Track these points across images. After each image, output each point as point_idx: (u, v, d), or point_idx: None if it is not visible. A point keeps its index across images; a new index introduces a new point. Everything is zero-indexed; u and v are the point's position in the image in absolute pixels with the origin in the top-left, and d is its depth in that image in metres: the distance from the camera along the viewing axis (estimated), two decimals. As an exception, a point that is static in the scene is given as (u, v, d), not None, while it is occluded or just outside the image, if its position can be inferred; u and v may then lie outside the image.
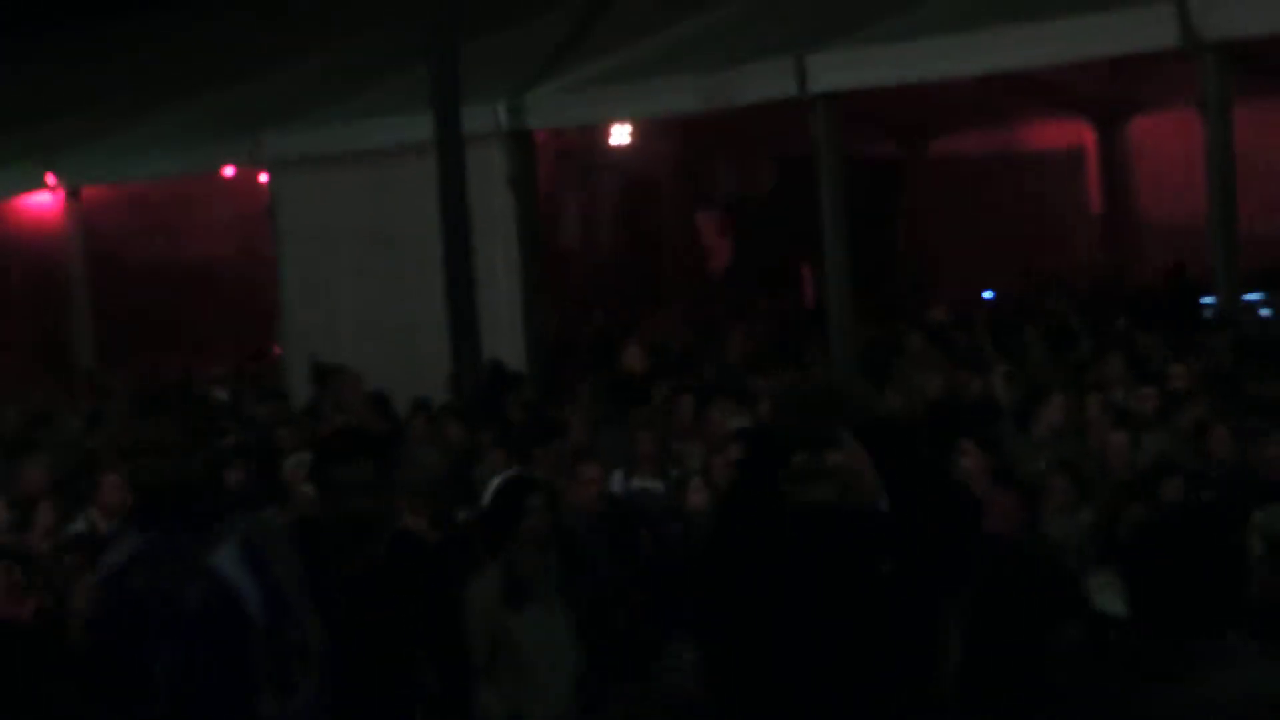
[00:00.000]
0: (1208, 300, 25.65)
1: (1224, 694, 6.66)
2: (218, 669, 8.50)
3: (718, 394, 22.47)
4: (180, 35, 41.91)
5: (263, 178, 32.56)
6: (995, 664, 10.78)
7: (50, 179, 35.15)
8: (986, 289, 32.77)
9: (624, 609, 15.04)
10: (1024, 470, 16.89)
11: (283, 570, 8.89)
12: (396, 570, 10.30)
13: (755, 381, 23.87)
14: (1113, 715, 7.17)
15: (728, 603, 9.67)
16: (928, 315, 29.68)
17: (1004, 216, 34.08)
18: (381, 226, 29.08)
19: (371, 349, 28.51)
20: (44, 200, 35.39)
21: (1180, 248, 29.10)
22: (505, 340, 27.06)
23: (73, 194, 34.73)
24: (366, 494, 9.89)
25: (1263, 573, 12.71)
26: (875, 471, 9.38)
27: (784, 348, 28.40)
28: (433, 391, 25.21)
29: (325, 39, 36.71)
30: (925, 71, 26.51)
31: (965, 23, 26.12)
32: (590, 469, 17.90)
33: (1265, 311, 26.55)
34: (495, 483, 16.02)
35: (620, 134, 31.97)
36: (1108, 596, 12.40)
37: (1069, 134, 33.58)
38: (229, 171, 34.11)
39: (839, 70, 26.19)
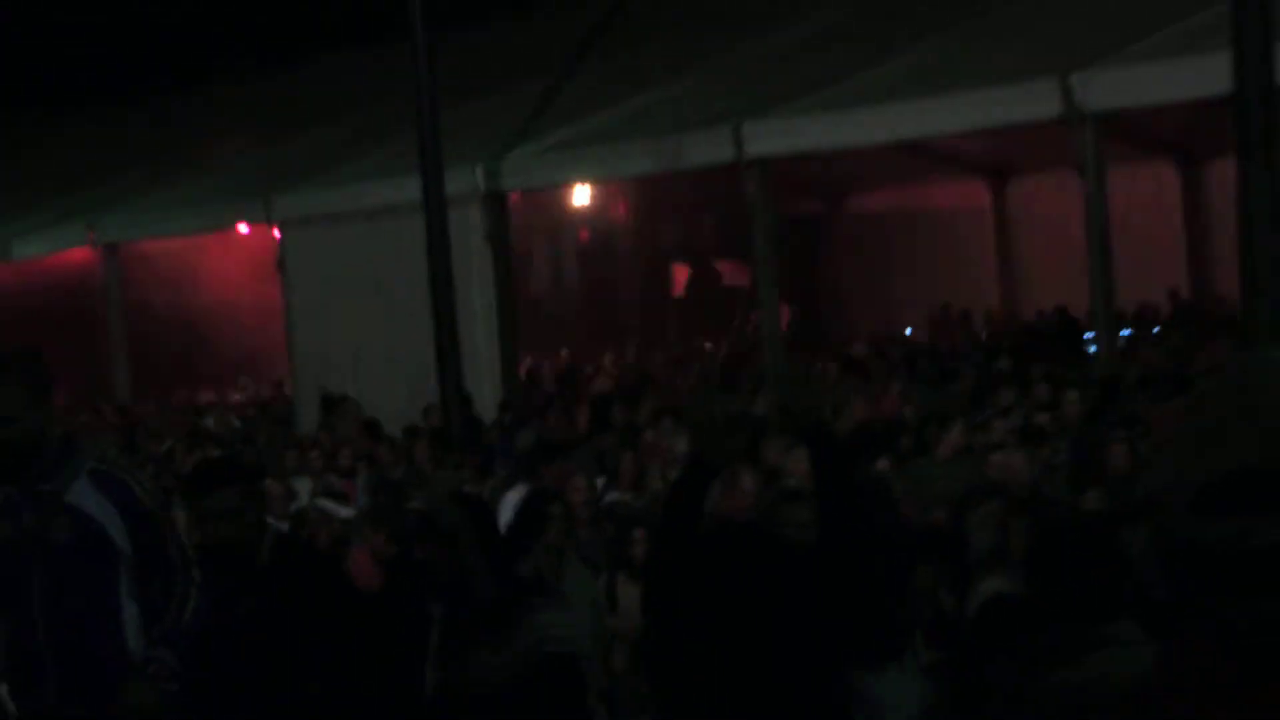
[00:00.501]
0: (1089, 335, 25.13)
1: (1110, 673, 6.25)
2: (88, 594, 8.33)
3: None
4: (199, 112, 41.67)
5: (274, 233, 31.76)
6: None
7: (90, 236, 34.62)
8: (898, 327, 32.39)
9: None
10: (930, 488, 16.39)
11: (140, 495, 8.54)
12: (278, 572, 9.68)
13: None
14: (1019, 692, 6.92)
15: (660, 602, 9.55)
16: (848, 350, 29.27)
17: (913, 264, 33.47)
18: (376, 275, 28.71)
19: (367, 381, 28.22)
20: (85, 255, 34.38)
21: (1062, 291, 28.39)
22: (484, 373, 26.94)
23: (110, 249, 34.13)
24: (232, 521, 9.39)
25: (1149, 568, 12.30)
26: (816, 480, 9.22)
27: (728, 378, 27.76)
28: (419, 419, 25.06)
29: (324, 113, 36.35)
30: (844, 139, 26.63)
31: (879, 97, 26.23)
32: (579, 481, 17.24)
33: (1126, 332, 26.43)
34: (518, 496, 16.00)
35: (582, 194, 31.92)
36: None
37: (967, 193, 32.96)
38: (243, 228, 33.54)
39: (771, 138, 26.12)
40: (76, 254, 35.00)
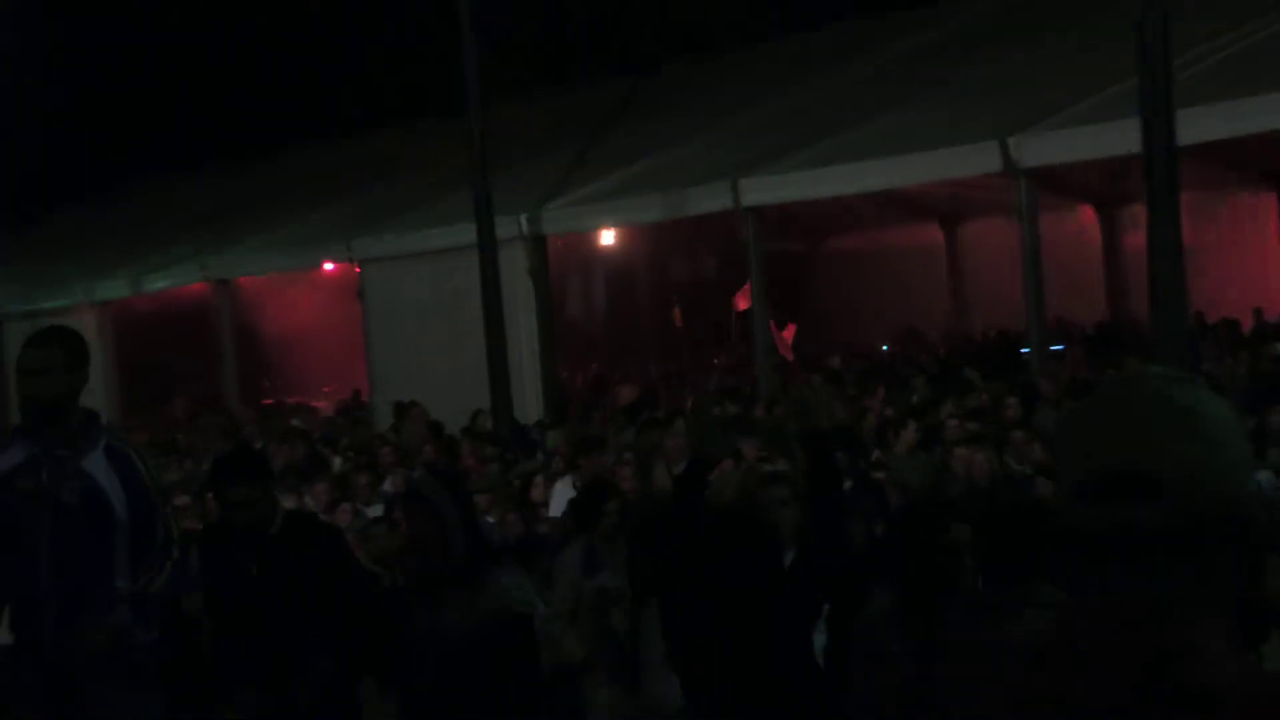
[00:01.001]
0: (1025, 350, 24.84)
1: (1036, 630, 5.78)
2: (87, 550, 8.25)
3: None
4: (292, 171, 41.78)
5: (354, 270, 31.71)
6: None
7: (205, 273, 34.65)
8: (868, 344, 32.32)
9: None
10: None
11: (144, 475, 8.56)
12: (288, 542, 9.58)
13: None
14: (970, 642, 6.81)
15: (667, 581, 9.25)
16: (826, 363, 29.15)
17: (880, 292, 33.45)
18: (439, 304, 28.72)
19: (431, 390, 27.59)
20: (201, 288, 34.33)
21: (1002, 314, 28.26)
22: (528, 385, 26.92)
23: (221, 283, 34.00)
24: (247, 509, 9.27)
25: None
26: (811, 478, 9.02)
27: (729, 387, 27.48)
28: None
29: (396, 171, 36.40)
30: (823, 190, 26.78)
31: (851, 156, 26.20)
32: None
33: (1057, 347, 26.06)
34: (565, 486, 16.53)
35: (607, 237, 31.55)
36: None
37: (924, 234, 32.89)
38: (329, 266, 33.45)
39: (761, 190, 26.24)
40: (195, 287, 34.85)
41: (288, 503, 17.57)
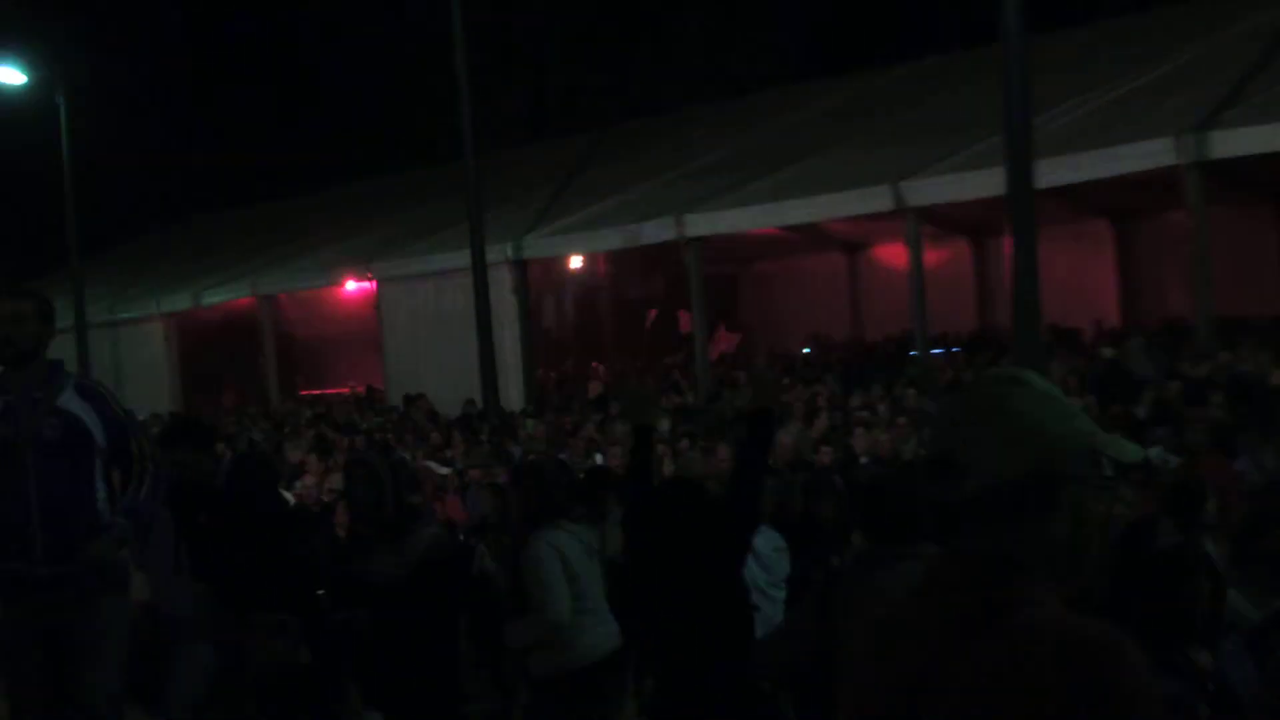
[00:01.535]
0: (913, 354, 24.83)
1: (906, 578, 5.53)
2: (70, 477, 7.89)
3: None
4: (321, 207, 41.71)
5: (373, 287, 31.95)
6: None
7: (251, 289, 34.55)
8: (788, 348, 31.93)
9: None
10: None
11: (113, 404, 8.22)
12: (229, 491, 9.74)
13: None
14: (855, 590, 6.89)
15: (631, 544, 8.76)
16: (752, 363, 29.06)
17: (798, 307, 33.44)
18: (441, 315, 28.79)
19: (435, 385, 28.09)
20: (249, 302, 34.34)
21: (895, 324, 28.21)
22: (511, 380, 26.72)
23: (265, 298, 34.03)
24: (189, 467, 9.00)
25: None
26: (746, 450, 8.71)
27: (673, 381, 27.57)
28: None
29: (406, 207, 36.30)
30: (751, 224, 27.08)
31: (775, 196, 26.44)
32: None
33: (938, 351, 26.09)
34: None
35: (576, 261, 31.71)
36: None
37: (833, 260, 32.90)
38: (351, 284, 33.40)
39: (701, 224, 26.45)
40: (244, 301, 34.77)
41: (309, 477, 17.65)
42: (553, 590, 9.01)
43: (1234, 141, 20.45)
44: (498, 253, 26.58)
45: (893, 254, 29.01)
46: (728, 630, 8.22)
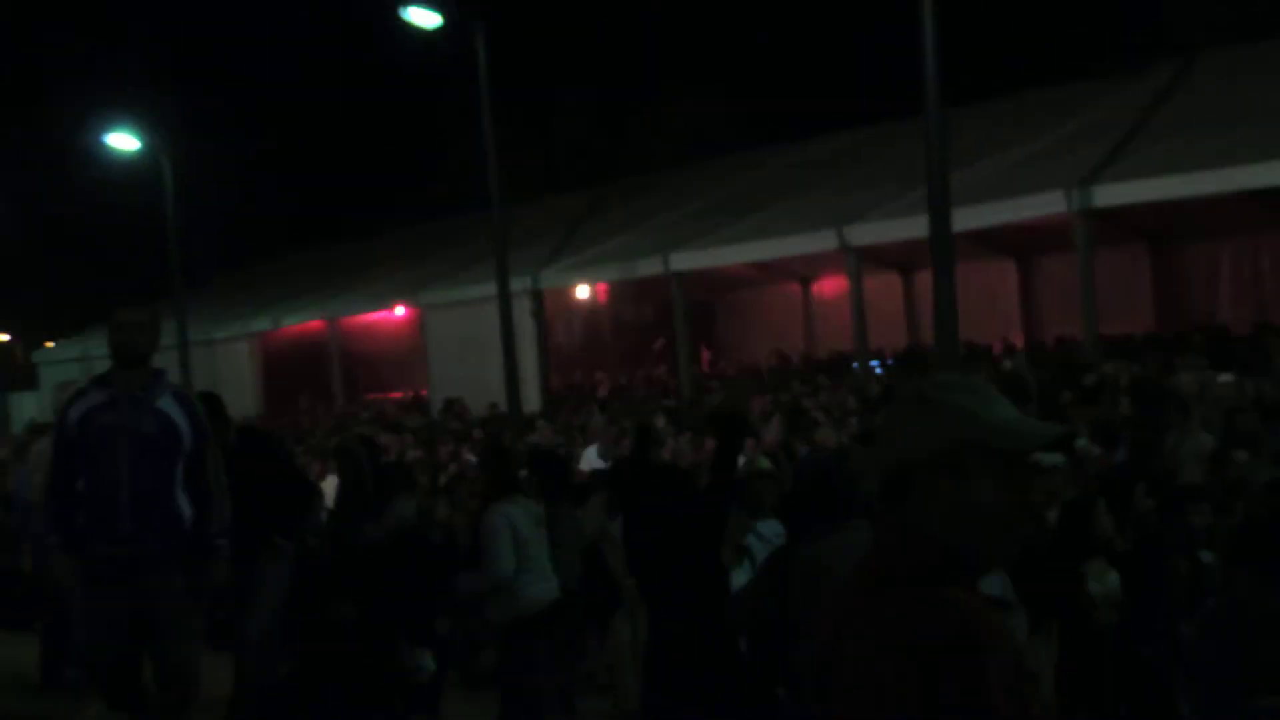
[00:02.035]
0: (855, 365, 24.91)
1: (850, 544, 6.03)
2: (159, 468, 7.56)
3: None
4: (373, 248, 41.53)
5: (419, 312, 31.96)
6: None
7: (321, 314, 34.60)
8: (756, 362, 31.51)
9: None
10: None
11: (201, 416, 7.86)
12: (239, 450, 9.32)
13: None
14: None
15: (629, 519, 8.96)
16: (725, 374, 29.35)
17: (762, 329, 33.40)
18: (476, 335, 28.15)
19: (469, 392, 28.14)
20: (319, 325, 34.32)
21: (839, 341, 28.16)
22: (530, 387, 26.46)
23: (332, 323, 34.03)
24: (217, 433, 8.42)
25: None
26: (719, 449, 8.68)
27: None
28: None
29: (446, 247, 36.01)
30: (724, 261, 27.29)
31: (743, 238, 26.57)
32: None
33: (874, 363, 25.95)
34: (593, 451, 16.19)
35: (583, 291, 31.61)
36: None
37: (789, 290, 32.88)
38: (400, 310, 33.38)
39: (684, 261, 26.65)
40: (314, 324, 34.81)
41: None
42: (499, 553, 9.17)
43: (1113, 193, 20.53)
44: (519, 284, 26.53)
45: (837, 285, 29.00)
46: (707, 591, 8.25)
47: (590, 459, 16.60)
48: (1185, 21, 35.70)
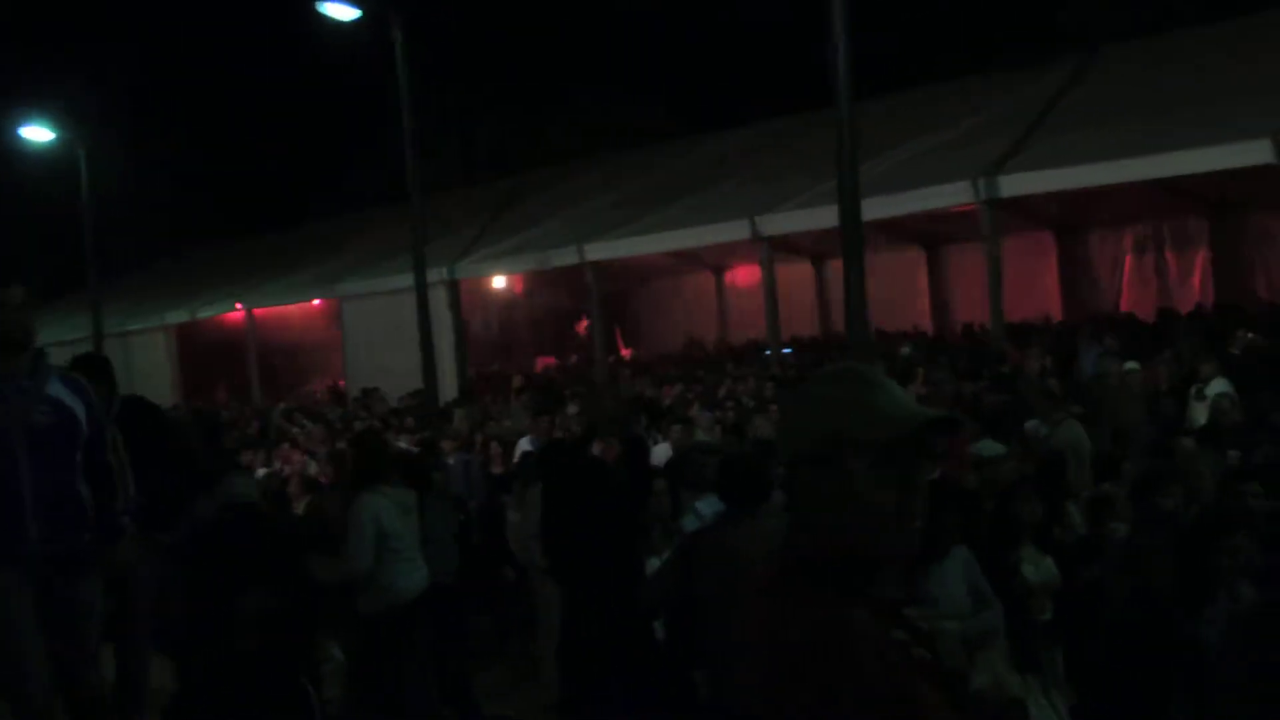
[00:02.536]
0: (767, 352, 24.85)
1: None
2: (59, 461, 6.69)
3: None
4: (293, 241, 41.30)
5: (337, 304, 31.66)
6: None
7: (239, 305, 34.31)
8: (669, 350, 31.92)
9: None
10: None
11: (93, 395, 7.02)
12: (120, 417, 8.34)
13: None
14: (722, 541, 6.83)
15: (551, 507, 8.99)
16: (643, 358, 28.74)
17: (678, 316, 33.77)
18: (392, 326, 28.12)
19: (386, 383, 27.67)
20: (237, 316, 34.02)
21: (753, 329, 28.27)
22: (447, 377, 26.26)
23: (249, 313, 33.74)
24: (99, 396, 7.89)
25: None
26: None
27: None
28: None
29: (364, 240, 35.80)
30: (639, 250, 27.09)
31: (657, 228, 26.46)
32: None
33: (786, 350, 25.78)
34: (529, 441, 15.35)
35: (499, 281, 31.80)
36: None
37: (704, 279, 33.10)
38: (317, 301, 33.13)
39: (599, 250, 26.53)
40: (232, 315, 34.51)
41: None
42: (357, 547, 9.01)
43: (1018, 183, 20.67)
44: (436, 275, 26.42)
45: (750, 274, 29.13)
46: (623, 578, 8.25)
47: (523, 449, 16.52)
48: (1086, 17, 36.11)
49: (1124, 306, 25.87)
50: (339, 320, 31.52)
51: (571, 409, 19.18)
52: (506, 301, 34.09)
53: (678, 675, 7.92)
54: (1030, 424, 13.30)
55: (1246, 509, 8.34)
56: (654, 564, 8.64)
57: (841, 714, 2.52)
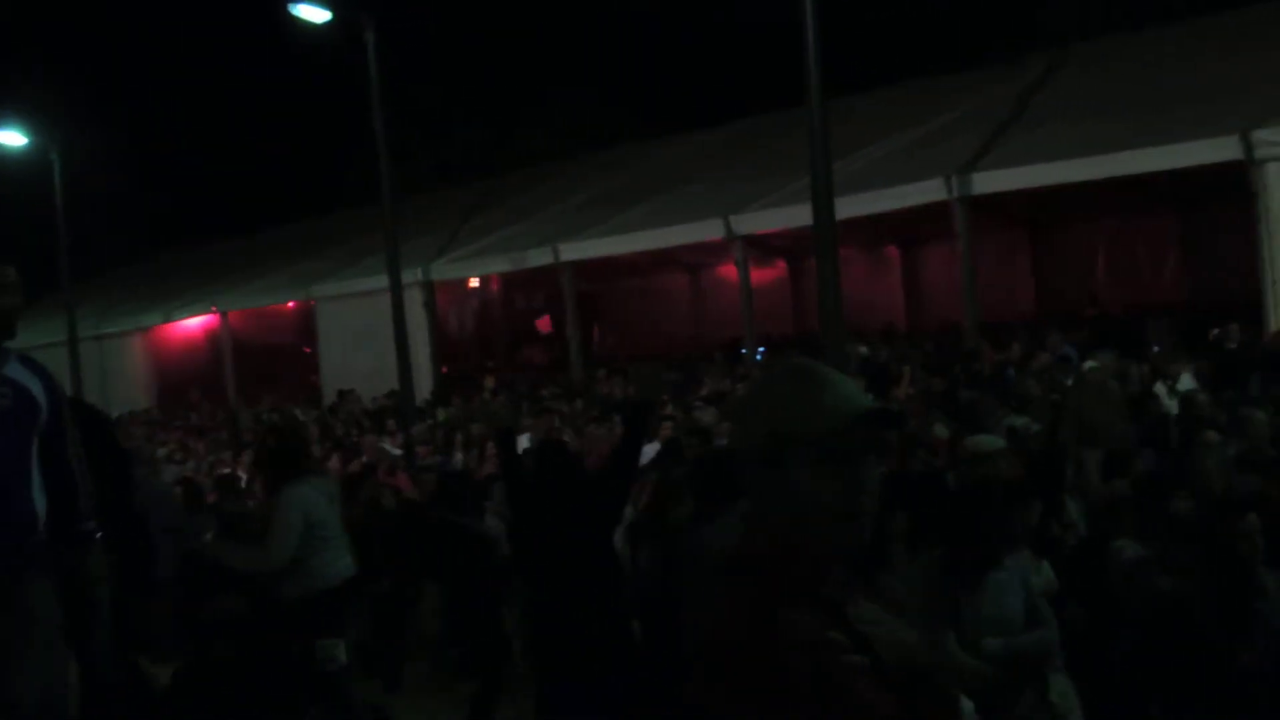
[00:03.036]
0: (743, 351, 24.88)
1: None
2: (16, 447, 5.83)
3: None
4: (265, 242, 41.26)
5: (311, 305, 31.58)
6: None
7: (214, 308, 34.05)
8: (644, 350, 31.65)
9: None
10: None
11: (54, 378, 6.23)
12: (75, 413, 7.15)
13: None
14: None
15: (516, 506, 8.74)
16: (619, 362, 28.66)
17: (653, 316, 33.74)
18: (367, 326, 27.95)
19: (361, 382, 27.81)
20: (212, 318, 33.72)
21: (728, 329, 28.08)
22: (422, 376, 26.60)
23: (224, 315, 33.41)
24: None
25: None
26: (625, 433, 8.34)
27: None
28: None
29: (338, 242, 35.50)
30: (612, 250, 26.91)
31: (631, 228, 26.46)
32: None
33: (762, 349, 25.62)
34: (527, 440, 15.26)
35: (474, 281, 31.63)
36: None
37: (678, 279, 33.11)
38: (292, 304, 33.06)
39: (573, 251, 26.47)
40: (206, 317, 34.35)
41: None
42: (282, 538, 8.96)
43: (991, 181, 20.72)
44: (411, 276, 26.16)
45: (725, 273, 29.11)
46: (599, 578, 8.19)
47: (523, 448, 16.45)
48: (1058, 15, 36.23)
49: (1096, 303, 25.94)
50: (314, 321, 31.43)
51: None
52: (481, 302, 34.09)
53: (657, 675, 7.89)
54: (1020, 421, 13.27)
55: (1254, 493, 8.25)
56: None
57: (769, 714, 2.51)
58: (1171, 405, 14.36)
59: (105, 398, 31.67)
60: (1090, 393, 14.30)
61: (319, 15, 22.90)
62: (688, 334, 32.06)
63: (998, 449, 9.32)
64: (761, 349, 25.91)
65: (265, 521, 9.32)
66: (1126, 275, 26.62)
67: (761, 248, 26.89)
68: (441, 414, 21.10)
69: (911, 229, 26.90)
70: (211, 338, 34.46)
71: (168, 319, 35.69)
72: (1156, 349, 18.62)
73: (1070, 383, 15.32)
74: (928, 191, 21.14)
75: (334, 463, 16.50)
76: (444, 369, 29.04)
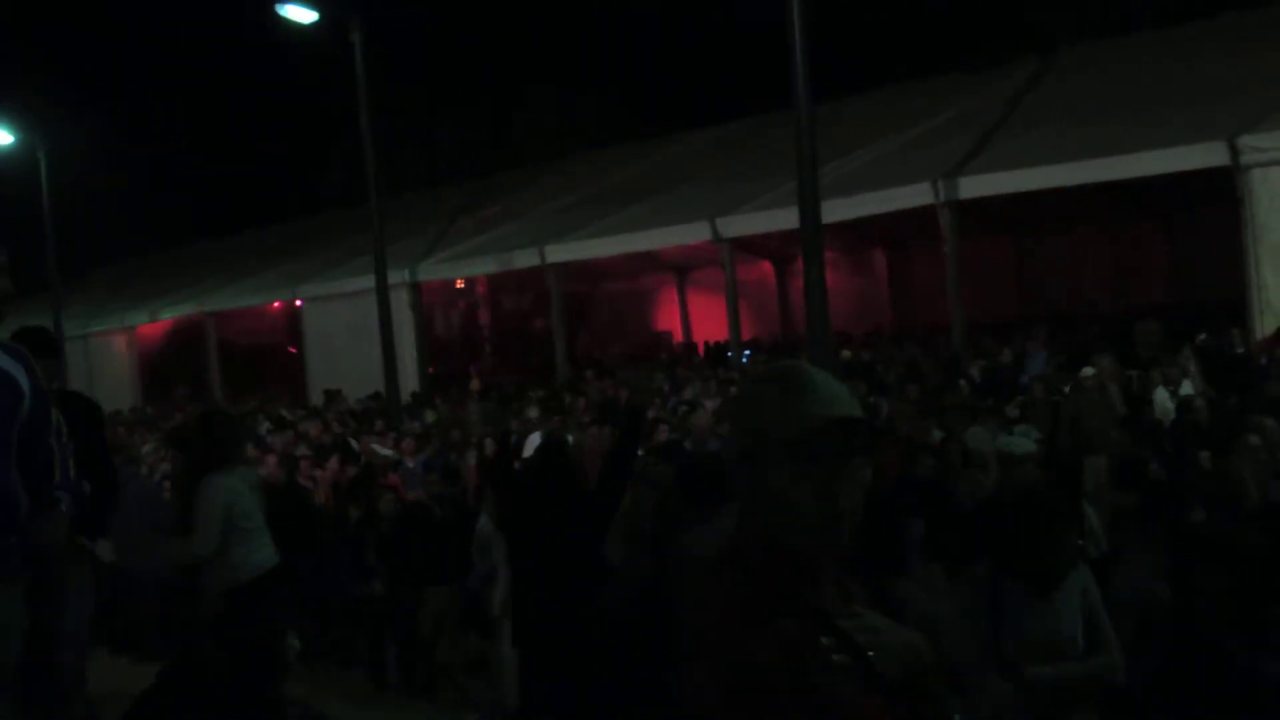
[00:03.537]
0: (729, 354, 24.84)
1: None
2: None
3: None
4: (251, 244, 41.16)
5: (298, 305, 31.61)
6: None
7: (198, 308, 33.94)
8: (633, 350, 31.78)
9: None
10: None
11: (36, 366, 5.82)
12: (61, 403, 6.87)
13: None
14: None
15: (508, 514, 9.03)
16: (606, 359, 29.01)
17: (641, 317, 33.90)
18: (354, 326, 28.09)
19: (347, 383, 27.71)
20: (198, 317, 33.66)
21: (714, 330, 28.18)
22: (408, 376, 26.51)
23: (209, 315, 33.38)
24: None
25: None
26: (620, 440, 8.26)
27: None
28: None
29: (325, 243, 35.49)
30: (599, 252, 26.64)
31: (618, 230, 26.22)
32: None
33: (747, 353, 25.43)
34: (538, 438, 14.79)
35: (461, 282, 31.47)
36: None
37: (665, 280, 33.09)
38: (277, 304, 33.10)
39: (560, 253, 26.26)
40: (192, 316, 34.16)
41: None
42: (207, 528, 8.92)
43: (978, 185, 20.70)
44: (398, 276, 26.19)
45: (712, 275, 29.02)
46: (590, 583, 8.16)
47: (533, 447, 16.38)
48: (1046, 19, 36.28)
49: (1083, 307, 25.95)
50: (301, 322, 31.38)
51: (532, 412, 19.10)
52: (468, 303, 34.07)
53: (651, 678, 7.87)
54: (1020, 428, 13.21)
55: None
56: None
57: (755, 716, 2.52)
58: (1169, 412, 14.30)
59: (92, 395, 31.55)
60: (1088, 399, 14.30)
61: (306, 15, 22.89)
62: (675, 337, 32.06)
63: (1027, 452, 9.22)
64: (747, 352, 25.91)
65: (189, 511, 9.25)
66: (1112, 279, 26.64)
67: (748, 250, 26.91)
68: (430, 415, 21.03)
69: (898, 232, 26.91)
70: (198, 337, 34.39)
71: (154, 318, 35.65)
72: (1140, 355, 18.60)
73: (1068, 389, 15.28)
74: (915, 196, 21.13)
75: (333, 464, 16.43)
76: (431, 370, 28.96)
